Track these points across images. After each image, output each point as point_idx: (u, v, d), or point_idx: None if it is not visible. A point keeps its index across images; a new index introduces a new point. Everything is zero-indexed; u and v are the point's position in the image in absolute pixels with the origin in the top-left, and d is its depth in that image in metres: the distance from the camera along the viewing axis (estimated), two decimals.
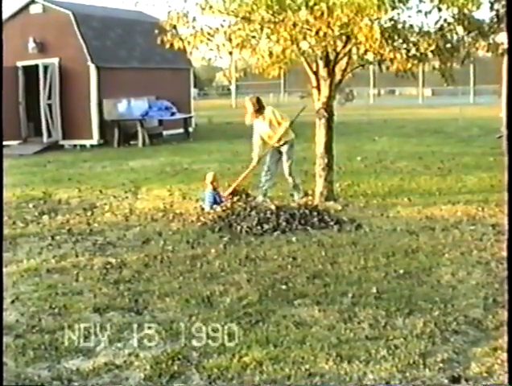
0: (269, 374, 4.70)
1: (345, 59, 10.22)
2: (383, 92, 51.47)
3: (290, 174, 10.78)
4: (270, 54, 9.92)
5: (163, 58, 21.75)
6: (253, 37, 9.86)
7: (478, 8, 9.51)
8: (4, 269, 7.05)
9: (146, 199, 11.39)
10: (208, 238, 8.54)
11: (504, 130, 12.01)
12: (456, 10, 9.55)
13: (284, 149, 10.75)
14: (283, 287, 6.52)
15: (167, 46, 10.02)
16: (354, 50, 9.97)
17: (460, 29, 9.80)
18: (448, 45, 9.80)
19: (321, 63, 10.19)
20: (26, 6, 21.43)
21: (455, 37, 9.85)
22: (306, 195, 10.60)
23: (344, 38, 9.62)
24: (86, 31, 21.03)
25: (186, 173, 14.45)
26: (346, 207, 10.23)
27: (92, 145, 20.88)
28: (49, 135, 20.98)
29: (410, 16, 9.78)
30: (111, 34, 22.26)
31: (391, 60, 9.55)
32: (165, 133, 22.86)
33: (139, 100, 22.22)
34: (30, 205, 11.07)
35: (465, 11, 9.47)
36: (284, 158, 10.77)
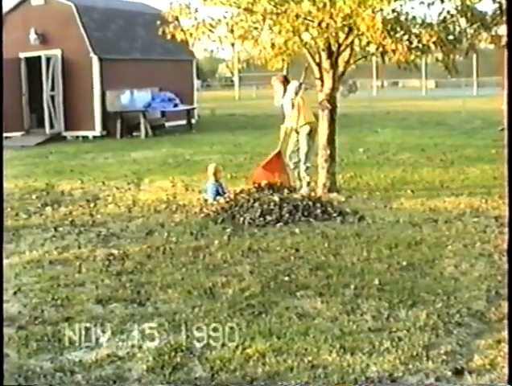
0: (271, 366, 4.70)
1: (348, 51, 10.19)
2: (386, 84, 51.46)
3: (304, 163, 10.52)
4: (273, 45, 9.89)
5: (164, 49, 21.70)
6: (256, 28, 9.83)
7: (480, 0, 9.51)
8: (7, 261, 7.07)
9: (148, 191, 11.38)
10: (211, 229, 8.53)
11: (505, 123, 11.99)
12: (458, 2, 9.56)
13: (302, 132, 10.50)
14: (286, 279, 6.51)
15: (169, 37, 10.00)
16: (357, 41, 9.96)
17: (462, 21, 9.78)
18: (451, 37, 9.78)
19: (324, 55, 10.16)
20: None
21: (457, 29, 9.83)
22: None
23: (346, 29, 9.60)
24: (88, 23, 21.00)
25: (188, 164, 14.44)
26: (349, 198, 10.21)
27: (94, 137, 20.88)
28: (52, 126, 20.98)
29: (412, 8, 9.79)
30: (113, 25, 22.23)
31: (393, 52, 9.52)
32: (168, 124, 22.82)
33: (142, 91, 22.20)
34: (33, 196, 11.06)
35: (468, 3, 9.47)
36: (301, 143, 10.54)
